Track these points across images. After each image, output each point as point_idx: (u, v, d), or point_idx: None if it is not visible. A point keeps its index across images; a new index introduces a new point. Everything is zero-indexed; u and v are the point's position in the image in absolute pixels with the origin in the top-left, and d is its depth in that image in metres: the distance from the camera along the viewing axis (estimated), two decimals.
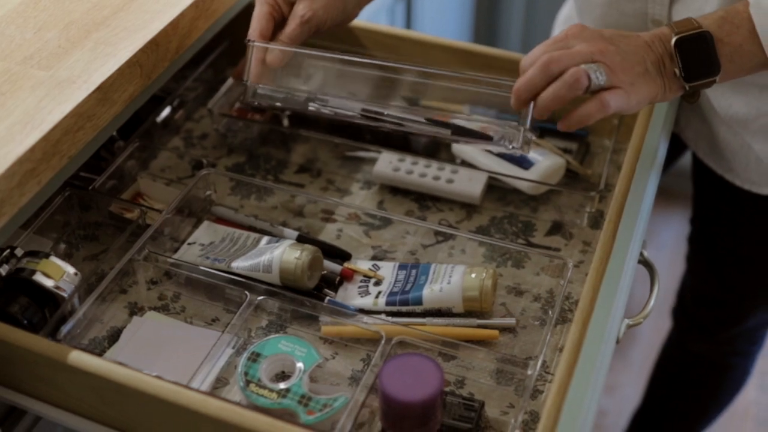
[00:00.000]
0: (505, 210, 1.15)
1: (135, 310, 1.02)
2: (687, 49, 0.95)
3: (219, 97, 1.23)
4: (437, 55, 1.28)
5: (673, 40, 0.95)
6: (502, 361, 0.95)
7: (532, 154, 1.16)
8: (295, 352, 0.94)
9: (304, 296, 0.99)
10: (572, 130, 0.96)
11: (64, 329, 0.92)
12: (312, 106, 1.09)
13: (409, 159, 1.17)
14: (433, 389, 0.83)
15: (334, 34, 1.23)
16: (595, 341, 0.85)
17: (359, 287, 1.03)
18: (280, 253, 1.00)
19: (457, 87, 1.06)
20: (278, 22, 1.10)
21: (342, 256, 1.07)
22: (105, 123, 1.02)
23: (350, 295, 1.03)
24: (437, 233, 1.11)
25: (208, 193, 1.13)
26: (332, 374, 0.96)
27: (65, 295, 0.96)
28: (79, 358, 0.86)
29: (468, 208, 1.15)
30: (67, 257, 1.07)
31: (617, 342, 0.92)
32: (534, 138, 1.02)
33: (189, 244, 1.07)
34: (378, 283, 1.03)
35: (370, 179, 1.18)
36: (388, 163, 1.17)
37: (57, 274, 0.96)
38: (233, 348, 0.97)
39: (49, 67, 1.01)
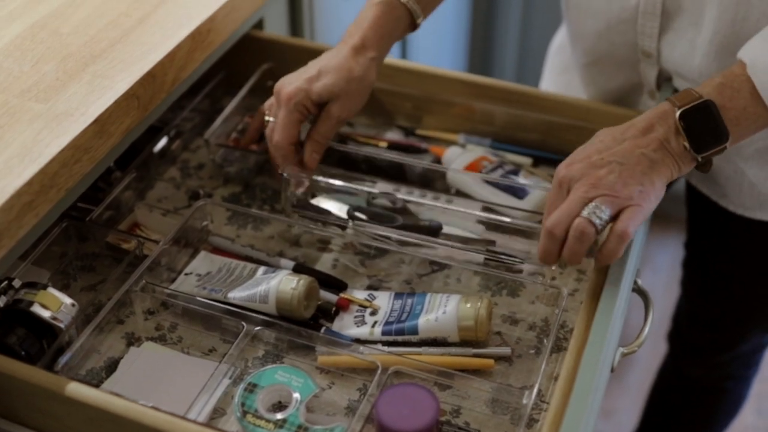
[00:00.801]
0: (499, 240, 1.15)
1: (132, 340, 1.02)
2: (692, 121, 0.94)
3: (215, 128, 1.24)
4: (432, 84, 1.29)
5: (677, 114, 0.94)
6: (498, 391, 0.95)
7: (527, 183, 1.17)
8: (291, 382, 0.94)
9: (301, 326, 0.99)
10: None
11: (62, 360, 0.92)
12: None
13: (404, 189, 1.17)
14: (429, 419, 0.84)
15: None
16: (590, 370, 0.86)
17: (355, 317, 1.04)
18: (277, 284, 1.01)
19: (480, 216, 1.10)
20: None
21: (338, 285, 1.07)
22: (102, 155, 1.02)
23: (346, 325, 1.03)
24: (432, 263, 1.11)
25: (204, 223, 1.13)
26: (329, 404, 0.96)
27: (63, 326, 0.96)
28: (76, 389, 0.86)
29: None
30: (64, 288, 1.07)
31: (612, 371, 0.93)
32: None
33: (186, 274, 1.08)
34: (374, 312, 1.04)
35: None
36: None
37: (54, 305, 0.97)
38: (230, 378, 0.97)
39: (46, 99, 1.02)
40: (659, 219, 1.33)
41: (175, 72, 1.12)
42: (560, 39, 1.45)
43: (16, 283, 0.98)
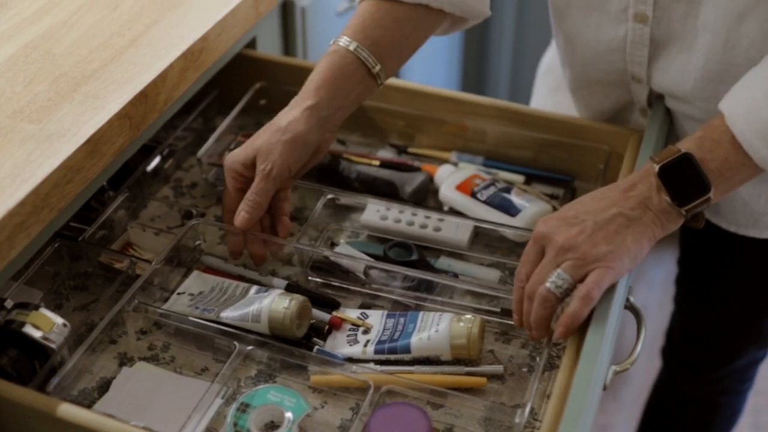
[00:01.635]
0: (492, 257, 1.16)
1: (125, 360, 1.02)
2: (672, 175, 0.94)
3: (208, 147, 1.24)
4: (425, 103, 1.29)
5: (656, 169, 0.95)
6: (491, 409, 0.95)
7: (519, 201, 1.17)
8: (284, 402, 0.94)
9: (293, 346, 0.99)
10: (572, 334, 0.93)
11: (54, 381, 0.92)
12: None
13: (396, 207, 1.17)
14: None
15: None
16: (582, 388, 0.86)
17: (348, 336, 1.04)
18: (269, 303, 1.01)
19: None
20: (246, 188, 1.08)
21: (331, 304, 1.07)
22: (94, 175, 1.03)
23: (339, 344, 1.03)
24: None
25: (197, 242, 1.13)
26: (321, 424, 0.96)
27: (55, 346, 0.96)
28: (68, 410, 0.86)
29: (455, 255, 1.16)
30: (57, 308, 1.07)
31: (604, 389, 0.93)
32: None
33: (178, 293, 1.08)
34: (366, 331, 1.04)
35: (357, 228, 1.19)
36: (375, 212, 1.17)
37: (46, 325, 0.97)
38: (222, 398, 0.97)
39: (38, 120, 1.02)
40: None
41: (167, 91, 1.13)
42: (549, 59, 1.46)
43: (8, 303, 0.98)
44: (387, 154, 1.32)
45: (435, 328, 1.00)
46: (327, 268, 1.11)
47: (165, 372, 1.01)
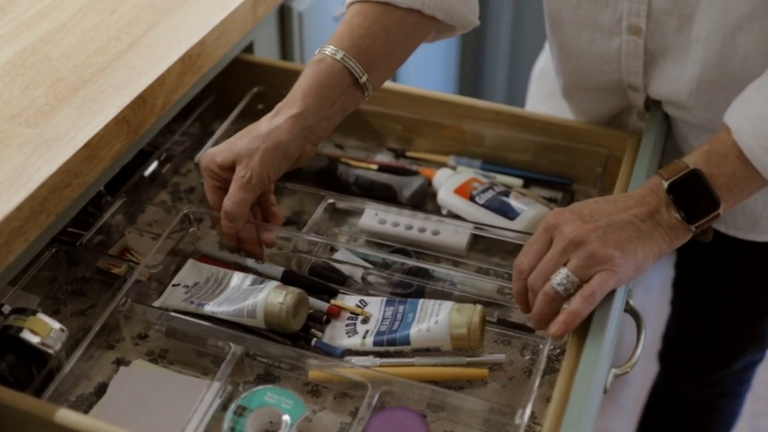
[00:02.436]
0: (491, 261, 1.15)
1: (122, 365, 1.02)
2: (681, 191, 0.94)
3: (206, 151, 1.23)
4: (423, 106, 1.29)
5: (665, 186, 0.94)
6: (491, 412, 0.95)
7: (518, 204, 1.17)
8: (281, 404, 0.94)
9: (291, 338, 0.99)
10: (570, 330, 0.92)
11: (51, 387, 0.92)
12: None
13: (394, 211, 1.17)
14: None
15: None
16: (582, 392, 0.85)
17: (347, 325, 1.03)
18: (264, 297, 1.00)
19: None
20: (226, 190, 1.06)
21: (328, 292, 1.07)
22: (92, 180, 1.02)
23: (338, 334, 1.02)
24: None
25: (192, 229, 1.13)
26: (320, 427, 0.95)
27: (52, 352, 0.96)
28: (65, 416, 0.86)
29: (454, 259, 1.15)
30: (54, 313, 1.07)
31: (605, 392, 0.92)
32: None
33: (174, 285, 1.07)
34: (365, 320, 1.03)
35: (355, 232, 1.19)
36: (373, 216, 1.17)
37: (44, 331, 0.96)
38: (220, 399, 0.97)
39: (36, 124, 1.02)
40: None
41: (165, 96, 1.12)
42: (542, 65, 1.45)
43: (6, 308, 0.98)
44: (385, 157, 1.31)
45: (434, 319, 0.99)
46: (325, 273, 1.11)
47: (162, 371, 1.00)
